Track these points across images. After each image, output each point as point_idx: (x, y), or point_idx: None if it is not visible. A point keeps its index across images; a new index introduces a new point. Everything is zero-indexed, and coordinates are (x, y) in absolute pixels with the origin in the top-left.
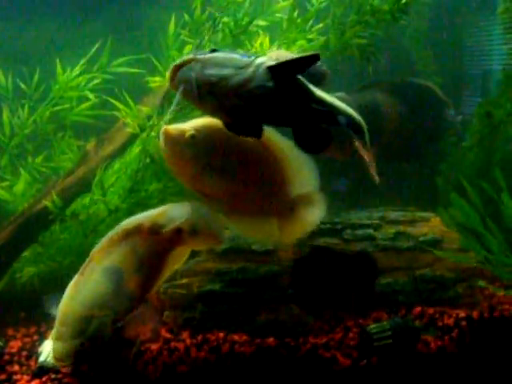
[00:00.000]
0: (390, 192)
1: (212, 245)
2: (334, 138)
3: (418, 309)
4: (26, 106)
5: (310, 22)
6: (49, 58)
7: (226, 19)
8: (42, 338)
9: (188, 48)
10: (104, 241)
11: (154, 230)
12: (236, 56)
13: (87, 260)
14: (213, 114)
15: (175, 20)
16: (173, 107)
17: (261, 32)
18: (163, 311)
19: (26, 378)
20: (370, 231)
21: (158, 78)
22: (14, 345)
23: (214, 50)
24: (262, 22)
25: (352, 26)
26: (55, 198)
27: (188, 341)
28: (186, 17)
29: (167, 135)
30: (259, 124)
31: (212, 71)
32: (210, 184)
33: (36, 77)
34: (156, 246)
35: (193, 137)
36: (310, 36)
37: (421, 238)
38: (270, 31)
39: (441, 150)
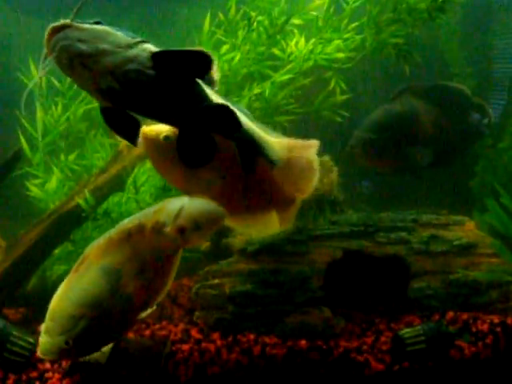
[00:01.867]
0: (418, 195)
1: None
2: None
3: (452, 314)
4: (60, 104)
5: (346, 20)
6: None
7: (260, 18)
8: None
9: (225, 48)
10: (102, 239)
11: (156, 229)
12: (120, 34)
13: (81, 257)
14: (89, 92)
15: (210, 18)
16: (40, 70)
17: (296, 31)
18: (194, 311)
19: (57, 376)
20: (404, 234)
21: None
22: None
23: (97, 22)
24: (297, 21)
25: (388, 24)
26: (88, 196)
27: (219, 342)
28: (221, 16)
29: (144, 137)
30: (137, 113)
31: (87, 44)
32: (198, 184)
33: None
34: (161, 249)
35: (166, 138)
36: (346, 35)
37: (455, 242)
38: (306, 30)
39: (473, 153)
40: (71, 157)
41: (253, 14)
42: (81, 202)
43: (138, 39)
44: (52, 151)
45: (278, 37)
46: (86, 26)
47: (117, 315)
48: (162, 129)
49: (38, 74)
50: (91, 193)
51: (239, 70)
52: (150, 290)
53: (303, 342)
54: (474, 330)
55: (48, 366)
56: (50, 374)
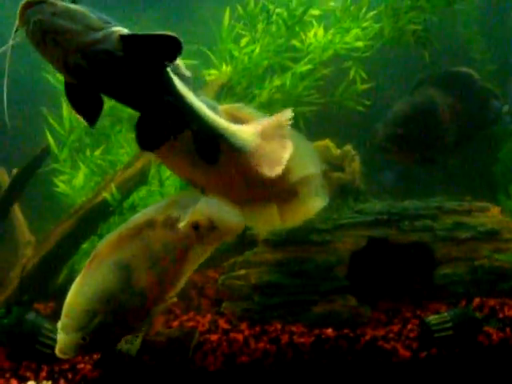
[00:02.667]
0: (441, 183)
1: (227, 238)
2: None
3: (478, 300)
4: None
5: (364, 9)
6: None
7: (279, 10)
8: None
9: (244, 41)
10: (113, 235)
11: (167, 224)
12: (93, 16)
13: (93, 253)
14: (57, 68)
15: (229, 13)
16: (11, 41)
17: (314, 22)
18: (221, 302)
19: (88, 367)
20: (428, 222)
21: (213, 71)
22: None
23: (73, 2)
24: (315, 12)
25: (406, 11)
26: (114, 191)
27: (246, 332)
28: (240, 9)
29: None
30: (100, 92)
31: (61, 21)
32: (202, 172)
33: None
34: (172, 244)
35: None
36: (364, 24)
37: (479, 228)
38: (324, 20)
39: (494, 138)
40: (97, 152)
41: (271, 6)
42: (107, 196)
43: (110, 22)
44: (78, 147)
45: (297, 28)
46: (61, 3)
47: (131, 309)
48: None
49: (9, 43)
50: (117, 187)
51: (259, 62)
52: (163, 285)
53: (330, 331)
54: (501, 315)
55: (79, 357)
56: (81, 366)
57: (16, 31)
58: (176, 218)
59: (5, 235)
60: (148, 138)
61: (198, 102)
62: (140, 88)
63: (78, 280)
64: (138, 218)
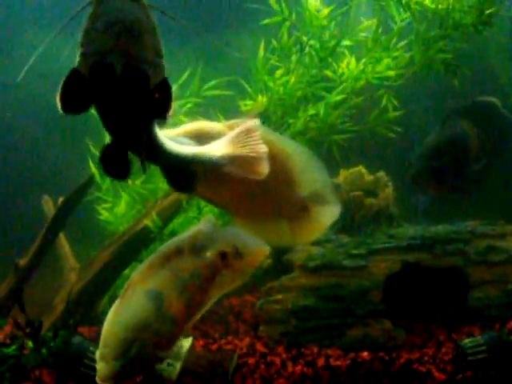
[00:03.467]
0: (473, 207)
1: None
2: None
3: None
4: None
5: (394, 39)
6: None
7: (312, 42)
8: None
9: (279, 72)
10: (144, 265)
11: (194, 252)
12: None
13: (127, 283)
14: (88, 57)
15: (264, 45)
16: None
17: (347, 52)
18: (259, 326)
19: None
20: (461, 245)
21: (248, 102)
22: None
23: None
24: (347, 43)
25: (435, 40)
26: (155, 218)
27: (283, 355)
28: (274, 42)
29: None
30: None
31: (149, 27)
32: (211, 188)
33: None
34: (200, 270)
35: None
36: (395, 54)
37: None
38: (356, 51)
39: None
40: (138, 181)
41: (304, 38)
42: (149, 223)
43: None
44: None
45: (330, 59)
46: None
47: (164, 334)
48: (175, 132)
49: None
50: (158, 214)
51: (294, 92)
52: (191, 310)
53: (365, 354)
54: None
55: None
56: None
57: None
58: (202, 246)
59: (51, 262)
60: (114, 165)
61: (165, 140)
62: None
63: (113, 309)
64: (167, 246)
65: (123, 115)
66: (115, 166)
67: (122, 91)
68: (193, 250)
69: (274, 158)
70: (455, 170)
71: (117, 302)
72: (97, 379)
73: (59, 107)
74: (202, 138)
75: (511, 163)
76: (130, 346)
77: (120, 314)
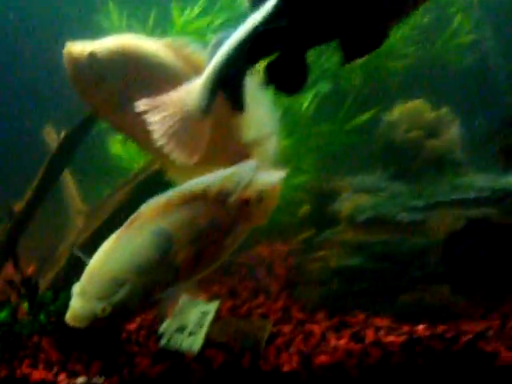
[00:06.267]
0: None
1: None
2: None
3: None
4: None
5: None
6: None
7: None
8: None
9: None
10: (160, 200)
11: (220, 197)
12: None
13: (134, 215)
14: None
15: None
16: None
17: None
18: (294, 285)
19: (146, 361)
20: None
21: None
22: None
23: None
24: None
25: None
26: None
27: (324, 323)
28: None
29: (67, 53)
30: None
31: None
32: (128, 120)
33: (151, 20)
34: (220, 220)
35: (92, 54)
36: None
37: None
38: None
39: None
40: None
41: None
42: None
43: None
44: None
45: None
46: None
47: (160, 285)
48: (89, 45)
49: None
50: None
51: None
52: (198, 263)
53: (421, 328)
54: None
55: (136, 348)
56: (139, 359)
57: None
58: (229, 191)
59: (53, 205)
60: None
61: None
62: None
63: (109, 242)
64: (192, 185)
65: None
66: (288, 75)
67: None
68: (218, 196)
69: None
70: None
71: (116, 234)
72: (67, 318)
73: None
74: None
75: None
76: (118, 287)
77: (117, 249)
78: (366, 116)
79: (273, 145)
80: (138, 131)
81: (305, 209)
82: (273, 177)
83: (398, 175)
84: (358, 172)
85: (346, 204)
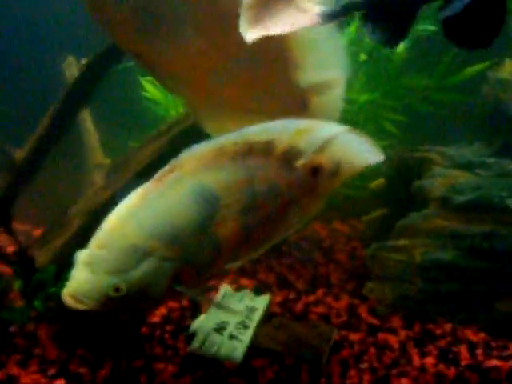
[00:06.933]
0: None
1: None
2: None
3: None
4: None
5: None
6: None
7: None
8: (196, 307)
9: None
10: (208, 148)
11: (287, 157)
12: None
13: (171, 165)
14: None
15: None
16: None
17: None
18: (361, 277)
19: (171, 368)
20: None
21: None
22: (157, 312)
23: None
24: None
25: None
26: None
27: (402, 333)
28: None
29: None
30: None
31: None
32: (155, 50)
33: None
34: (282, 188)
35: None
36: None
37: None
38: None
39: None
40: None
41: None
42: None
43: None
44: None
45: None
46: None
47: (195, 262)
48: None
49: None
50: None
51: None
52: (248, 239)
53: None
54: None
55: (158, 349)
56: (161, 365)
57: None
58: (300, 152)
59: (69, 154)
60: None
61: None
62: None
63: (133, 198)
64: (252, 135)
65: None
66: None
67: None
68: (285, 155)
69: None
70: None
71: (143, 188)
72: (64, 295)
73: None
74: None
75: None
76: (139, 259)
77: (141, 208)
78: (470, 71)
79: (338, 94)
80: (168, 67)
81: (379, 182)
82: (364, 154)
83: (507, 149)
84: (455, 141)
85: (437, 181)
